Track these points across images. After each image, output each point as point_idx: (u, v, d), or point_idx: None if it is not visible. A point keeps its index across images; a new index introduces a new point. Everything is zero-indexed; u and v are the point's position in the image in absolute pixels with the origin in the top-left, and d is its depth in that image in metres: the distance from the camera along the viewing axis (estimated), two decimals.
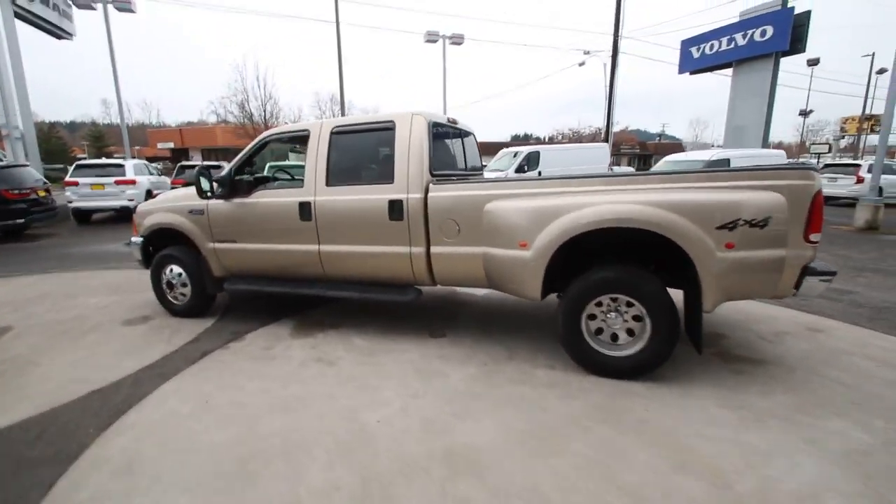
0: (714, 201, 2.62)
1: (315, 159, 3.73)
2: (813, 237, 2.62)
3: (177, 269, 4.38)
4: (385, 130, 3.58)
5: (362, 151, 3.75)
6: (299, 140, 4.20)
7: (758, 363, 3.17)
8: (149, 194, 12.34)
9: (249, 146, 4.09)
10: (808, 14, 18.43)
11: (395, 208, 3.42)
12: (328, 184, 3.67)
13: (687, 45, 22.13)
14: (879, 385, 2.85)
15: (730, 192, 2.64)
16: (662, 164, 11.49)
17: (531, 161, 14.82)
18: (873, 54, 33.62)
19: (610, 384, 2.87)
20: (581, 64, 25.73)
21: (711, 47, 21.10)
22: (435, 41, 19.30)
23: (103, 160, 13.39)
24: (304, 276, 3.99)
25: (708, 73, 21.86)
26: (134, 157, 17.02)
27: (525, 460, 2.15)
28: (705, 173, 2.76)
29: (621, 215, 2.69)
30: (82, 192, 11.34)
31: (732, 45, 20.33)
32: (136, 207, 4.72)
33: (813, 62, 33.59)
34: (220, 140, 37.76)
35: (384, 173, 3.54)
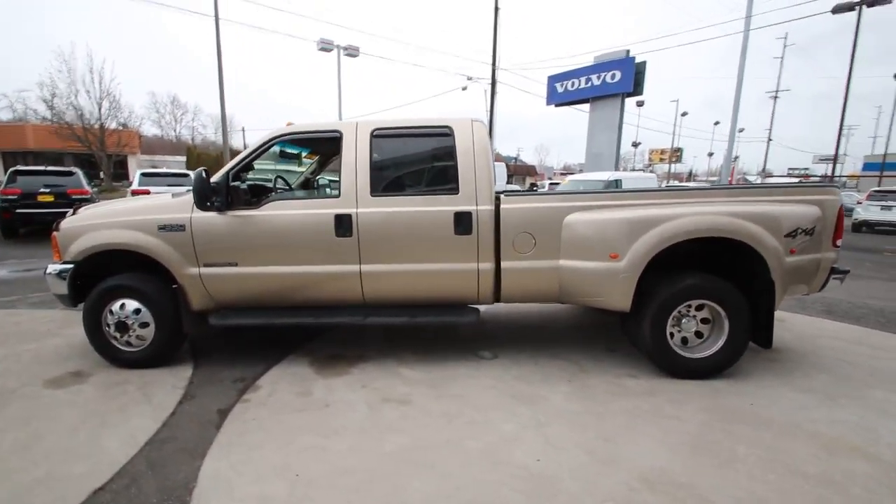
0: (781, 213, 2.98)
1: (353, 165, 3.20)
2: (838, 242, 3.16)
3: (132, 304, 3.30)
4: (440, 136, 3.26)
5: (412, 158, 3.35)
6: (321, 143, 3.58)
7: (783, 352, 3.68)
8: None
9: (253, 147, 3.32)
10: (644, 63, 22.56)
11: (463, 221, 3.12)
12: (373, 194, 3.18)
13: (553, 80, 25.15)
14: (884, 364, 3.55)
15: (787, 205, 3.04)
16: (568, 182, 12.76)
17: None
18: (678, 100, 42.79)
19: (696, 385, 3.02)
20: (464, 88, 27.32)
21: (573, 84, 24.27)
22: (330, 50, 18.48)
23: None
24: (332, 302, 3.37)
25: (568, 107, 25.08)
26: None
27: (719, 472, 2.12)
28: (764, 188, 3.14)
29: (715, 225, 2.88)
30: None
31: (589, 84, 23.66)
32: (57, 224, 3.43)
33: (640, 103, 41.36)
34: (31, 142, 30.10)
35: (445, 183, 3.22)
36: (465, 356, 3.59)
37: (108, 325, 3.32)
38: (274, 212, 3.21)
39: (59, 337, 4.08)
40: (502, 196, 3.17)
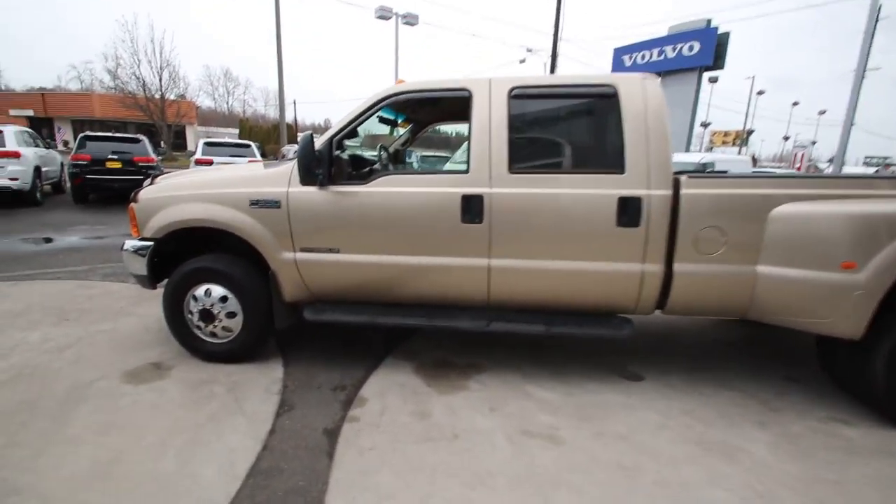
0: None
1: (487, 133, 2.54)
2: None
3: (219, 290, 2.83)
4: (600, 98, 2.53)
5: (563, 126, 2.65)
6: (439, 105, 2.94)
7: None
8: (37, 172, 9.29)
9: (359, 108, 2.71)
10: (727, 35, 20.41)
11: (629, 209, 2.40)
12: (511, 170, 2.51)
13: (620, 53, 23.28)
14: None
15: None
16: None
17: None
18: (753, 77, 39.16)
19: None
20: (522, 61, 25.90)
21: (643, 57, 22.36)
22: (388, 18, 17.70)
23: None
24: (448, 301, 2.77)
25: None
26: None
27: None
28: None
29: None
30: None
31: (662, 57, 21.73)
32: (135, 195, 2.99)
33: (714, 80, 38.12)
34: (97, 110, 31.43)
35: (606, 159, 2.51)
36: (603, 372, 2.93)
37: (192, 313, 2.88)
38: (386, 189, 2.61)
39: (133, 316, 3.74)
40: (683, 178, 2.42)
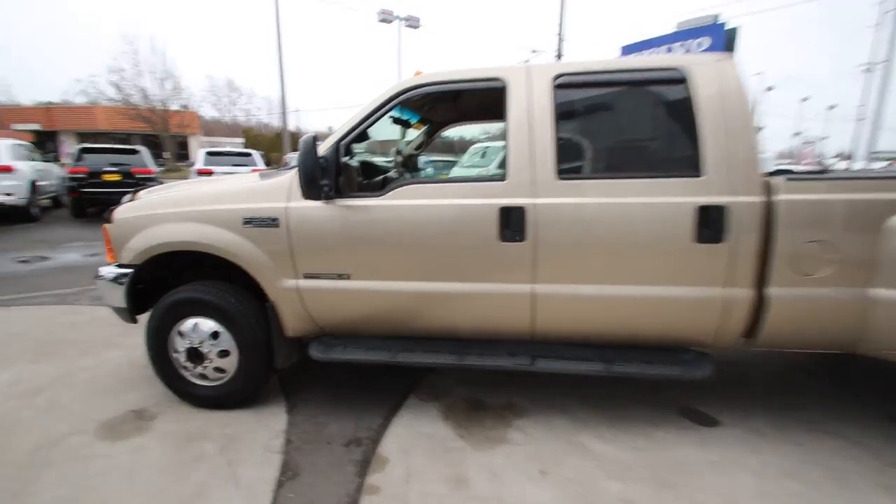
0: None
1: (527, 132, 2.08)
2: None
3: (208, 324, 2.39)
4: (666, 84, 2.06)
5: (621, 120, 2.19)
6: (468, 97, 2.49)
7: None
8: (33, 186, 8.96)
9: (371, 106, 2.26)
10: (734, 30, 19.88)
11: (710, 221, 1.93)
12: (559, 175, 2.05)
13: (627, 51, 22.82)
14: None
15: None
16: None
17: None
18: (761, 73, 38.50)
19: None
20: (526, 62, 25.48)
21: (651, 55, 21.92)
22: (390, 21, 17.34)
23: None
24: (482, 334, 2.31)
25: None
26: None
27: None
28: None
29: None
30: None
31: (671, 55, 21.26)
32: (109, 213, 2.56)
33: None
34: (102, 123, 31.27)
35: (678, 159, 2.05)
36: (667, 414, 2.45)
37: (178, 352, 2.44)
38: (404, 201, 2.16)
39: (119, 349, 3.31)
40: (777, 181, 1.94)
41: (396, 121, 3.08)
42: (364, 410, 2.51)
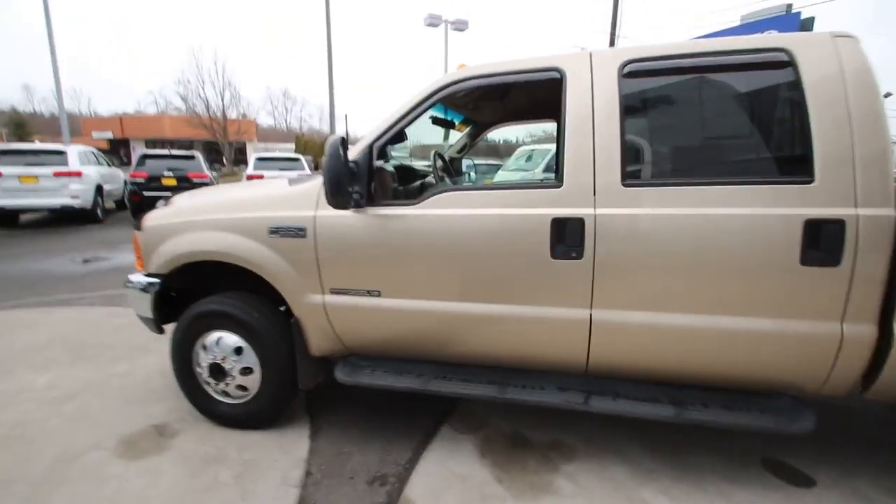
0: None
1: (588, 129, 1.76)
2: None
3: (232, 339, 2.23)
4: (765, 68, 1.68)
5: (707, 113, 1.83)
6: (519, 92, 2.22)
7: None
8: (99, 190, 9.52)
9: (411, 103, 2.02)
10: (811, 20, 18.32)
11: (824, 239, 1.54)
12: (626, 181, 1.72)
13: None
14: None
15: None
16: None
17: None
18: None
19: None
20: (581, 49, 24.69)
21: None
22: (437, 25, 17.32)
23: (37, 144, 10.34)
24: (527, 364, 2.01)
25: None
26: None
27: None
28: None
29: None
30: (6, 185, 8.36)
31: (770, 34, 19.90)
32: (139, 220, 2.48)
33: None
34: (168, 131, 33.52)
35: (781, 161, 1.67)
36: (748, 466, 2.03)
37: (201, 367, 2.31)
38: (443, 210, 1.90)
39: (153, 354, 3.26)
40: None
41: (437, 121, 2.84)
42: (392, 440, 2.26)
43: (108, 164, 11.24)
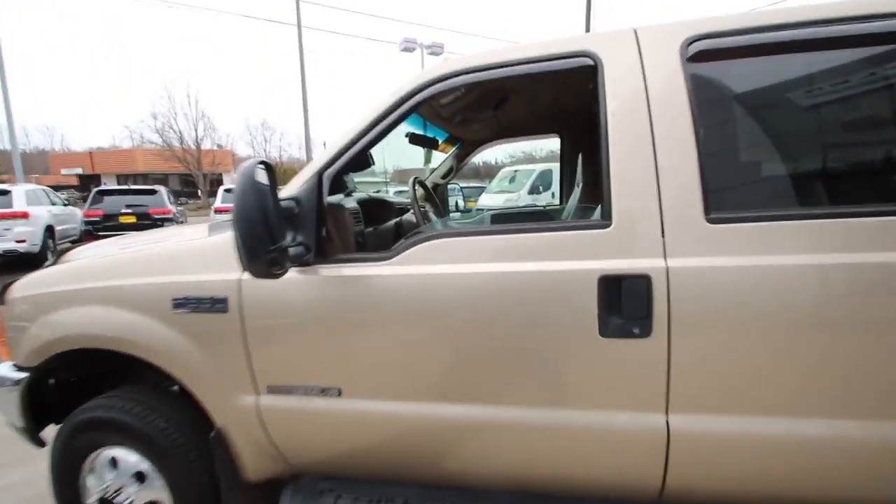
0: None
1: (646, 140, 1.16)
2: None
3: (131, 459, 1.53)
4: None
5: (829, 107, 1.24)
6: (528, 93, 1.62)
7: None
8: (49, 232, 8.67)
9: (376, 111, 1.38)
10: None
11: None
12: (712, 213, 1.11)
13: None
14: None
15: None
16: None
17: (544, 181, 12.80)
18: None
19: None
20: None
21: None
22: (412, 50, 17.08)
23: None
24: (565, 490, 1.34)
25: None
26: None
27: None
28: None
29: None
30: None
31: None
32: (5, 289, 1.78)
33: None
34: (141, 165, 32.56)
35: None
36: None
37: (90, 500, 1.59)
38: (431, 269, 1.25)
39: (19, 468, 2.42)
40: None
41: (416, 139, 2.21)
42: None
43: (65, 203, 10.41)
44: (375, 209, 1.92)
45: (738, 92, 1.24)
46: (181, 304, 1.41)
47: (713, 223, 1.10)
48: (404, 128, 2.22)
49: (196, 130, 27.81)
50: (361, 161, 1.45)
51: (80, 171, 32.18)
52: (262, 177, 1.14)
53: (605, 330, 1.14)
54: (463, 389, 1.26)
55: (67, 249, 2.10)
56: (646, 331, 1.11)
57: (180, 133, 27.46)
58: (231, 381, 1.41)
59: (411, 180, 1.91)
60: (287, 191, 1.36)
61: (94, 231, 8.72)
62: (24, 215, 8.05)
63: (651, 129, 1.16)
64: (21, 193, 8.28)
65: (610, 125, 1.20)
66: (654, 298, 1.10)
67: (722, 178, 1.14)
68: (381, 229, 1.80)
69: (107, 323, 1.46)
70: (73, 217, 10.38)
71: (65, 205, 10.24)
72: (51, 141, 52.98)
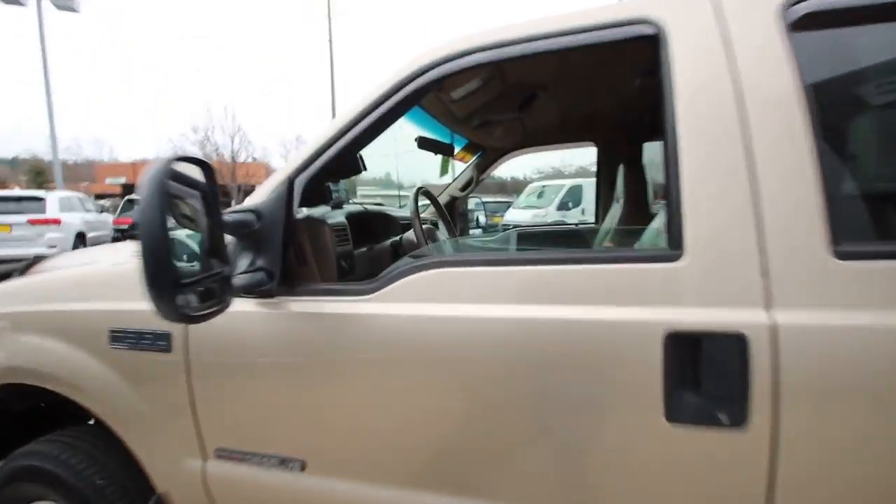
0: None
1: (733, 138, 0.81)
2: None
3: None
4: None
5: None
6: (568, 76, 1.30)
7: None
8: (81, 238, 8.85)
9: (364, 103, 1.07)
10: None
11: None
12: (840, 244, 0.74)
13: None
14: None
15: None
16: None
17: (573, 197, 12.32)
18: None
19: None
20: None
21: None
22: None
23: (15, 191, 9.84)
24: None
25: None
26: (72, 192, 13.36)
27: None
28: None
29: None
30: None
31: None
32: None
33: None
34: None
35: None
36: None
37: None
38: (422, 309, 0.92)
39: None
40: None
41: (425, 144, 1.90)
42: None
43: (99, 211, 10.70)
44: (372, 225, 1.59)
45: (868, 69, 0.87)
46: (119, 336, 1.13)
47: (842, 258, 0.73)
48: (416, 131, 1.93)
49: (232, 143, 28.76)
50: (347, 165, 1.15)
51: (123, 180, 33.74)
52: (183, 178, 0.85)
53: (674, 413, 0.77)
54: (458, 479, 0.91)
55: (41, 258, 1.88)
56: (738, 418, 0.74)
57: (217, 145, 28.46)
58: (174, 438, 1.11)
59: (415, 191, 1.58)
60: (249, 201, 1.07)
61: (122, 238, 8.85)
62: (56, 221, 8.23)
63: (743, 123, 0.81)
64: (55, 200, 8.50)
65: (680, 116, 0.85)
66: (751, 370, 0.73)
67: (855, 192, 0.78)
68: (376, 250, 1.49)
69: (31, 355, 1.19)
70: (106, 224, 10.64)
71: (99, 212, 10.51)
72: (100, 151, 56.09)
